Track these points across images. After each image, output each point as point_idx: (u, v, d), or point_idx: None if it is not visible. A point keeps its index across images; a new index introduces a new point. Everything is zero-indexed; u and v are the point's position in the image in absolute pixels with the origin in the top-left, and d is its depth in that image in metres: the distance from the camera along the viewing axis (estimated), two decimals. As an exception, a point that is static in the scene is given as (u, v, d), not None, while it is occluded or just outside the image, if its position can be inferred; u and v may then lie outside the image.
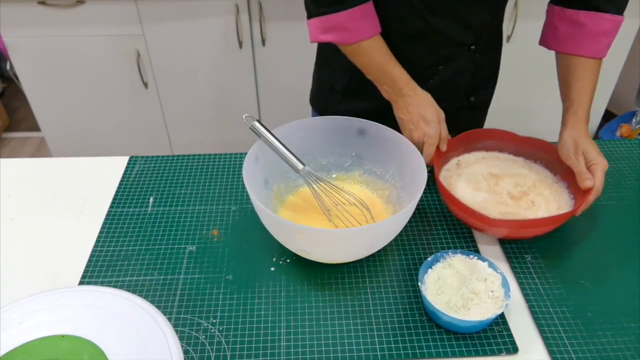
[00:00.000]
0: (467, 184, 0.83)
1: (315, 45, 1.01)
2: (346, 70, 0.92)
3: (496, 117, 2.02)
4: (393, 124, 0.81)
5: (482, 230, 0.76)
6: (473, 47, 0.88)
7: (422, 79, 0.84)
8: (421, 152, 0.77)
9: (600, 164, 0.75)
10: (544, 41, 0.88)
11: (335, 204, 0.78)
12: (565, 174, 0.82)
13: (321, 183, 0.77)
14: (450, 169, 0.86)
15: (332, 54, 0.93)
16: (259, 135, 0.75)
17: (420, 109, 0.81)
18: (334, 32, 0.81)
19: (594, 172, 0.74)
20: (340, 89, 0.96)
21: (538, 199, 0.80)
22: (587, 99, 0.82)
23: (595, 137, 2.09)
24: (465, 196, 0.80)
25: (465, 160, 0.87)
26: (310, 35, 0.84)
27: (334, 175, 0.87)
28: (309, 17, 0.82)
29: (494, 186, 0.82)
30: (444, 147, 0.83)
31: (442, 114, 0.82)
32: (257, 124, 0.75)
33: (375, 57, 0.83)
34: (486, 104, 1.04)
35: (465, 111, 0.97)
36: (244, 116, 0.75)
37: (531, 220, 0.74)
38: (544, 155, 0.86)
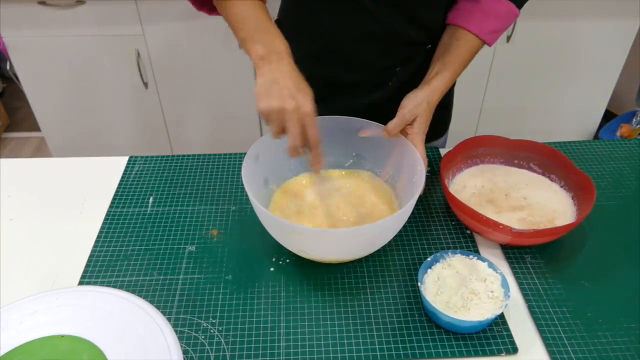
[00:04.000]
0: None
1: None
2: (308, 78, 0.75)
3: (496, 117, 2.03)
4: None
5: (487, 236, 0.76)
6: (429, 46, 0.87)
7: (380, 82, 0.83)
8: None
9: (419, 136, 0.77)
10: (446, 15, 0.86)
11: (333, 197, 0.79)
12: (561, 175, 0.83)
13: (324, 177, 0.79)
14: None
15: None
16: None
17: (292, 79, 0.67)
18: None
19: (413, 140, 0.76)
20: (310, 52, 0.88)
21: (535, 207, 0.81)
22: (457, 70, 0.82)
23: (596, 137, 2.09)
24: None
25: (460, 183, 0.87)
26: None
27: (333, 175, 0.87)
28: None
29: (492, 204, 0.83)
30: (316, 148, 0.68)
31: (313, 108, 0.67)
32: None
33: (245, 10, 0.73)
34: (449, 103, 1.02)
35: None
36: None
37: (545, 230, 0.74)
38: (538, 157, 0.86)
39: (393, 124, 0.76)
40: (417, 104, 0.77)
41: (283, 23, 0.89)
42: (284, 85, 0.65)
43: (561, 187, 0.83)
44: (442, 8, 0.84)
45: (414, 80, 0.85)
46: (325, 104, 0.90)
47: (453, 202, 0.77)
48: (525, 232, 0.71)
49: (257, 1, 0.73)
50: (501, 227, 0.71)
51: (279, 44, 0.69)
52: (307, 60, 0.89)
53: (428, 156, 0.95)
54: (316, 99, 0.86)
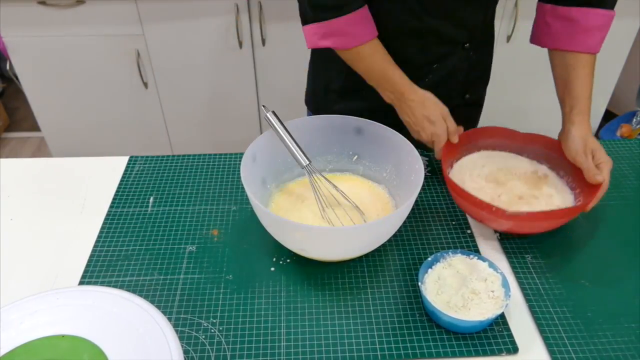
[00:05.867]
0: (471, 184, 0.83)
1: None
2: (341, 70, 0.92)
3: (496, 116, 2.03)
4: (389, 123, 0.81)
5: (490, 224, 0.76)
6: (467, 45, 0.88)
7: (416, 78, 0.84)
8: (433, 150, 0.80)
9: (608, 163, 0.77)
10: (536, 39, 0.89)
11: (329, 203, 0.79)
12: (568, 170, 0.82)
13: (322, 180, 0.78)
14: (454, 172, 0.86)
15: (326, 55, 0.93)
16: (270, 125, 0.76)
17: (424, 110, 0.82)
18: (334, 37, 0.81)
19: (602, 169, 0.76)
20: (336, 89, 0.97)
21: (541, 197, 0.80)
22: (588, 95, 0.83)
23: (596, 137, 2.09)
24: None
25: (466, 163, 0.87)
26: (307, 42, 0.85)
27: (332, 174, 0.87)
28: (306, 22, 0.82)
29: (497, 187, 0.82)
30: (454, 139, 0.83)
31: (445, 110, 0.83)
32: (271, 115, 0.76)
33: (375, 62, 0.83)
34: (480, 101, 1.04)
35: (460, 109, 0.97)
36: (262, 105, 0.77)
37: (544, 212, 0.74)
38: (547, 152, 0.86)
39: (592, 174, 0.76)
40: (579, 145, 0.79)
41: None
42: (418, 122, 0.83)
43: (568, 184, 0.83)
44: (483, 8, 0.86)
45: (449, 78, 0.90)
46: (362, 99, 0.92)
47: (450, 185, 0.77)
48: (520, 215, 0.71)
49: (375, 41, 0.83)
50: (494, 209, 0.71)
51: (401, 87, 0.83)
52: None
53: (429, 159, 0.95)
54: (353, 93, 0.96)
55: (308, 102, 1.06)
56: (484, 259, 0.69)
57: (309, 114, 1.07)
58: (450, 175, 0.82)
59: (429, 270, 0.69)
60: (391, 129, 0.79)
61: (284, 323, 0.67)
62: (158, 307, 0.61)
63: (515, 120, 2.01)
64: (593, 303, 0.69)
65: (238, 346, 0.64)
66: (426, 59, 0.88)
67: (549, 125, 2.07)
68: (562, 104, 0.84)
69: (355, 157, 0.86)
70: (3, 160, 0.96)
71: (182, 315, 0.68)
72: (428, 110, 0.82)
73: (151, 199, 0.87)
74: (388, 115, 0.85)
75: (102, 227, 0.81)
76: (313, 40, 0.83)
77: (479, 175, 0.84)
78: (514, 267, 0.74)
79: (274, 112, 0.76)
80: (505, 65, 1.82)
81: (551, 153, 0.85)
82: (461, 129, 0.84)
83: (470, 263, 0.69)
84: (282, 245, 0.73)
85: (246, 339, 0.65)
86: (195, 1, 1.67)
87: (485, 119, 1.06)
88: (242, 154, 0.79)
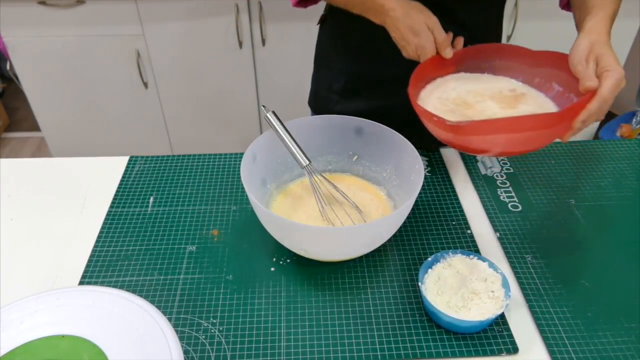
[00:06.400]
0: (439, 107, 0.74)
1: (314, 46, 1.01)
2: (343, 71, 0.92)
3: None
4: (389, 123, 0.81)
5: (449, 143, 0.69)
6: (468, 45, 0.87)
7: None
8: None
9: (615, 71, 0.62)
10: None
11: (329, 204, 0.79)
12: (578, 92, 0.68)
13: (322, 180, 0.78)
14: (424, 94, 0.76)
15: (330, 55, 0.93)
16: (270, 126, 0.76)
17: (407, 20, 0.73)
18: None
19: (604, 78, 0.62)
20: (338, 90, 0.97)
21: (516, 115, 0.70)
22: (608, 5, 0.69)
23: (596, 137, 2.09)
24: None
25: (438, 84, 0.77)
26: None
27: (332, 174, 0.87)
28: None
29: (465, 110, 0.73)
30: (446, 53, 0.73)
31: (432, 19, 0.73)
32: (270, 115, 0.76)
33: None
34: None
35: None
36: (262, 105, 0.76)
37: (488, 121, 0.64)
38: (558, 72, 0.72)
39: (585, 80, 0.63)
40: (583, 50, 0.65)
41: (328, 19, 0.90)
42: (403, 35, 0.73)
43: (562, 101, 0.71)
44: (480, 8, 0.83)
45: None
46: (363, 100, 0.91)
47: (411, 100, 0.68)
48: (462, 126, 0.63)
49: None
50: (435, 118, 0.64)
51: (381, 7, 0.74)
52: (348, 56, 0.91)
53: (429, 159, 0.95)
54: (354, 94, 0.92)
55: (311, 102, 1.06)
56: (484, 259, 0.69)
57: (312, 114, 1.07)
58: (421, 96, 0.75)
59: (429, 270, 0.69)
60: (391, 129, 0.79)
61: (284, 323, 0.67)
62: (158, 307, 0.61)
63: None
64: (593, 303, 0.69)
65: (238, 346, 0.64)
66: None
67: (549, 125, 2.08)
68: (577, 26, 0.73)
69: (355, 157, 0.86)
70: (3, 160, 0.96)
71: (182, 315, 0.68)
72: (412, 20, 0.73)
73: (151, 199, 0.87)
74: (389, 116, 0.85)
75: (102, 227, 0.81)
76: None
77: (447, 99, 0.75)
78: (514, 267, 0.74)
79: (273, 112, 0.76)
80: (505, 65, 1.82)
81: (561, 73, 0.71)
82: (459, 40, 0.75)
83: (470, 263, 0.69)
84: (282, 245, 0.73)
85: (246, 339, 0.65)
86: (195, 1, 1.67)
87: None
88: (242, 154, 0.79)
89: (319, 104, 1.03)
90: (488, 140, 0.65)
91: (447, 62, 0.74)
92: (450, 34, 0.74)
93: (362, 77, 0.85)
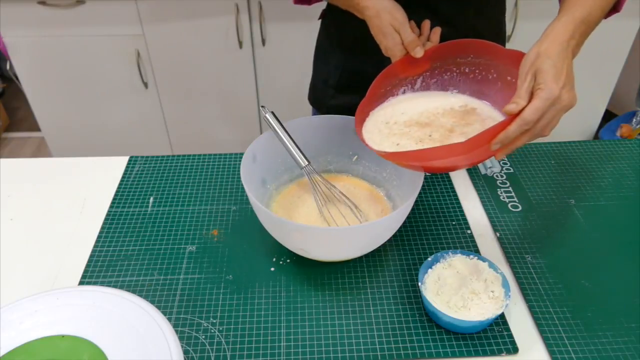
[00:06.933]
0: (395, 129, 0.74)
1: (314, 44, 1.02)
2: (338, 66, 0.93)
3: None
4: None
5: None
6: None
7: None
8: None
9: (545, 91, 0.57)
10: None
11: (329, 198, 0.79)
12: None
13: (321, 181, 0.78)
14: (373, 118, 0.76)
15: (326, 50, 0.94)
16: (269, 126, 0.76)
17: (378, 21, 0.73)
18: None
19: (533, 97, 0.57)
20: (333, 84, 0.98)
21: (475, 122, 0.71)
22: (579, 8, 0.63)
23: (596, 137, 2.09)
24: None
25: (384, 111, 0.77)
26: None
27: (332, 174, 0.87)
28: None
29: (423, 128, 0.73)
30: (416, 53, 0.72)
31: (398, 20, 0.72)
32: (270, 116, 0.76)
33: None
34: None
35: None
36: (261, 106, 0.77)
37: (403, 153, 0.65)
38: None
39: (512, 101, 0.60)
40: (527, 62, 0.61)
41: (327, 14, 0.94)
42: (375, 35, 0.74)
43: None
44: (464, 4, 0.82)
45: None
46: (358, 94, 0.91)
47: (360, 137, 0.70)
48: (388, 154, 0.65)
49: None
50: (368, 146, 0.66)
51: (357, 4, 0.75)
52: (343, 51, 0.91)
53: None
54: (349, 88, 0.93)
55: (309, 96, 1.07)
56: (484, 259, 0.69)
57: (313, 112, 1.07)
58: (371, 118, 0.75)
59: (429, 270, 0.69)
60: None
61: (284, 323, 0.67)
62: (158, 307, 0.61)
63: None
64: (593, 303, 0.69)
65: (238, 346, 0.64)
66: None
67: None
68: None
69: (355, 157, 0.86)
70: (3, 160, 0.96)
71: (182, 315, 0.68)
72: (379, 20, 0.73)
73: (151, 199, 0.87)
74: None
75: (102, 227, 0.81)
76: None
77: (396, 123, 0.75)
78: (514, 267, 0.74)
79: (273, 113, 0.76)
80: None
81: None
82: (435, 33, 0.73)
83: (470, 263, 0.69)
84: (282, 245, 0.73)
85: (246, 339, 0.65)
86: (195, 1, 1.67)
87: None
88: (242, 154, 0.79)
89: (316, 97, 1.05)
90: (416, 166, 0.67)
91: (420, 59, 0.73)
92: (425, 33, 0.74)
93: (356, 72, 0.86)
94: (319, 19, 0.98)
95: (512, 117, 0.58)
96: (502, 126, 0.58)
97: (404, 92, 0.79)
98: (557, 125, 0.60)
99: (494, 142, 0.59)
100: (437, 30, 0.74)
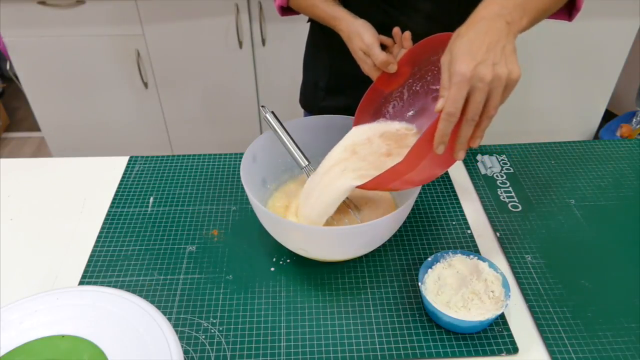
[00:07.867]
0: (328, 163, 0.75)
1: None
2: (327, 68, 0.94)
3: (495, 117, 2.02)
4: None
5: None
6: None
7: None
8: None
9: (456, 75, 0.52)
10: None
11: None
12: None
13: None
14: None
15: (315, 52, 0.94)
16: (269, 126, 0.76)
17: (349, 43, 0.75)
18: None
19: (450, 85, 0.53)
20: (323, 87, 0.98)
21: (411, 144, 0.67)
22: None
23: (596, 137, 2.09)
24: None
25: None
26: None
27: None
28: None
29: (354, 155, 0.74)
30: (390, 70, 0.72)
31: (366, 44, 0.72)
32: (270, 116, 0.76)
33: (307, 0, 0.80)
34: None
35: None
36: (261, 106, 0.77)
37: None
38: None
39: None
40: (449, 50, 0.56)
41: (315, 21, 0.93)
42: (353, 54, 0.76)
43: None
44: (453, 3, 0.81)
45: None
46: (347, 96, 0.92)
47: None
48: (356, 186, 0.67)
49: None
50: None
51: (331, 20, 0.78)
52: (331, 54, 0.92)
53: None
54: (338, 90, 0.94)
55: (301, 99, 1.07)
56: (484, 259, 0.69)
57: (304, 114, 1.08)
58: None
59: (429, 270, 0.69)
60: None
61: (284, 323, 0.67)
62: (158, 307, 0.61)
63: (515, 122, 2.01)
64: (593, 303, 0.69)
65: (238, 346, 0.64)
66: None
67: (548, 125, 2.08)
68: None
69: (355, 157, 0.86)
70: (3, 160, 0.96)
71: (182, 315, 0.68)
72: (352, 44, 0.75)
73: (151, 199, 0.87)
74: None
75: (102, 227, 0.81)
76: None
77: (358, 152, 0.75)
78: (514, 267, 0.74)
79: (273, 113, 0.76)
80: (505, 65, 1.82)
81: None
82: (407, 39, 0.72)
83: (470, 263, 0.69)
84: (282, 245, 0.73)
85: (246, 339, 0.65)
86: (195, 1, 1.67)
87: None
88: (242, 154, 0.79)
89: (307, 100, 1.05)
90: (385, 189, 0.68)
91: (399, 68, 0.73)
92: (399, 41, 0.74)
93: (344, 74, 0.86)
94: (307, 22, 0.98)
95: (437, 119, 0.55)
96: (434, 127, 0.55)
97: (393, 107, 0.79)
98: (503, 101, 0.55)
99: (435, 145, 0.55)
100: (408, 35, 0.74)
